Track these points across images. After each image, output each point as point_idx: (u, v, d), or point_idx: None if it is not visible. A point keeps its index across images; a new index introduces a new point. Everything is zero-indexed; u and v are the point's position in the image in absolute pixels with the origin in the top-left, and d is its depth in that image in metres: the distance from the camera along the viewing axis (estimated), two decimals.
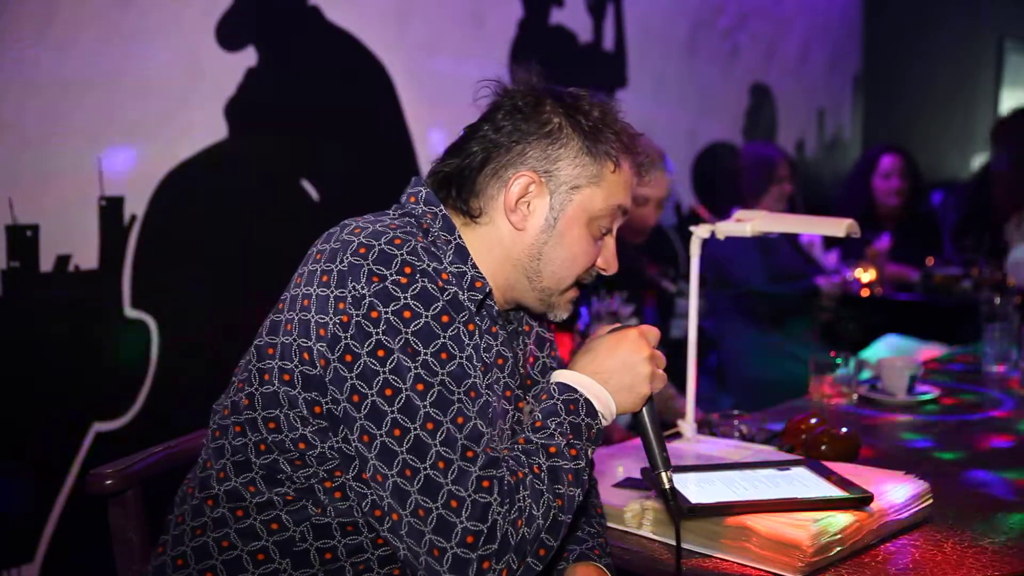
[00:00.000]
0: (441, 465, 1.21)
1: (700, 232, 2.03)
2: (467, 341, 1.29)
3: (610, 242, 1.47)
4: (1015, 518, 1.65)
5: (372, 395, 1.23)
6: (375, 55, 3.08)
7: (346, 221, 1.37)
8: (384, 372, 1.23)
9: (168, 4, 2.55)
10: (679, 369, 2.11)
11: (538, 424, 1.32)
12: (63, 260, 2.38)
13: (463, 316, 1.29)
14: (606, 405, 1.37)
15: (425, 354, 1.24)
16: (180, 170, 2.61)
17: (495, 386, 1.38)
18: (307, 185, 2.93)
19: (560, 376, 1.39)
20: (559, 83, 1.47)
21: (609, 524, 1.61)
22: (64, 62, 2.34)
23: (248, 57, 2.74)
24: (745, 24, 4.87)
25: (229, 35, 2.68)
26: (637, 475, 1.75)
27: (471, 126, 1.46)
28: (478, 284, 1.37)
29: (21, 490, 2.35)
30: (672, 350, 1.46)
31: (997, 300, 2.87)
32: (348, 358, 1.24)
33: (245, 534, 1.34)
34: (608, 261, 1.48)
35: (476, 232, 1.42)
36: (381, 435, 1.23)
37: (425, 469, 1.21)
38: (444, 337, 1.26)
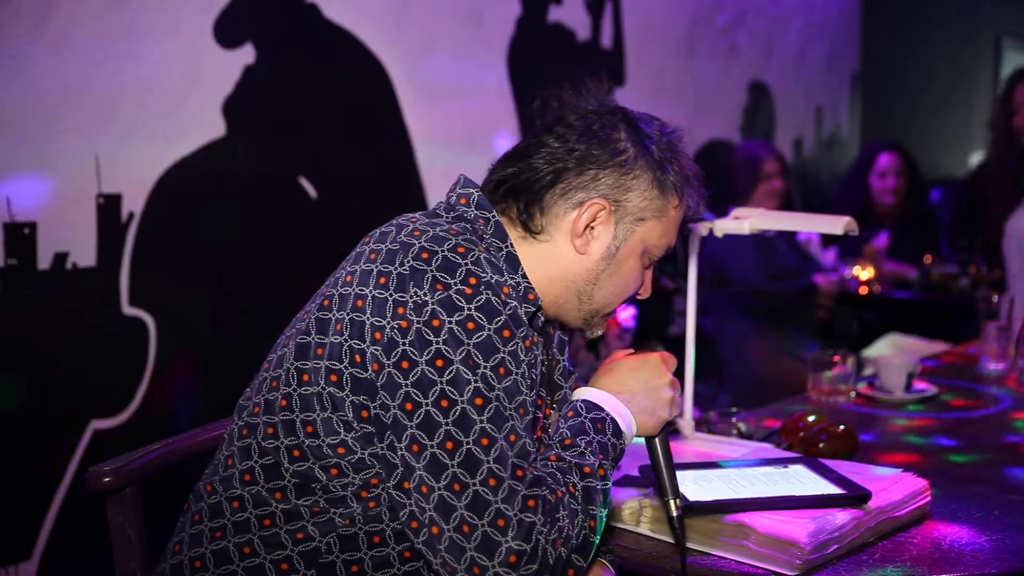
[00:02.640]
0: (492, 482, 1.19)
1: (698, 230, 2.03)
2: (523, 357, 1.27)
3: (650, 270, 1.50)
4: (1012, 516, 1.65)
5: (427, 405, 1.21)
6: (373, 53, 3.08)
7: (401, 221, 1.36)
8: (442, 383, 1.21)
9: (166, 1, 2.55)
10: (677, 367, 2.11)
11: (567, 441, 1.31)
12: (61, 258, 2.38)
13: (522, 331, 1.28)
14: (628, 425, 1.38)
15: (484, 368, 1.23)
16: (178, 168, 2.60)
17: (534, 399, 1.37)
18: (305, 183, 2.93)
19: (585, 393, 1.39)
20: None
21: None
22: (62, 59, 2.34)
23: (246, 54, 2.74)
24: (743, 22, 4.86)
25: (227, 32, 2.68)
26: (635, 472, 1.75)
27: (535, 137, 1.43)
28: (531, 296, 1.36)
29: (19, 487, 2.35)
30: (670, 348, 1.47)
31: (995, 298, 2.87)
32: (405, 364, 1.22)
33: (269, 542, 1.31)
34: (647, 288, 1.50)
35: (533, 247, 1.41)
36: (432, 446, 1.21)
37: (475, 485, 1.19)
38: (503, 352, 1.25)
